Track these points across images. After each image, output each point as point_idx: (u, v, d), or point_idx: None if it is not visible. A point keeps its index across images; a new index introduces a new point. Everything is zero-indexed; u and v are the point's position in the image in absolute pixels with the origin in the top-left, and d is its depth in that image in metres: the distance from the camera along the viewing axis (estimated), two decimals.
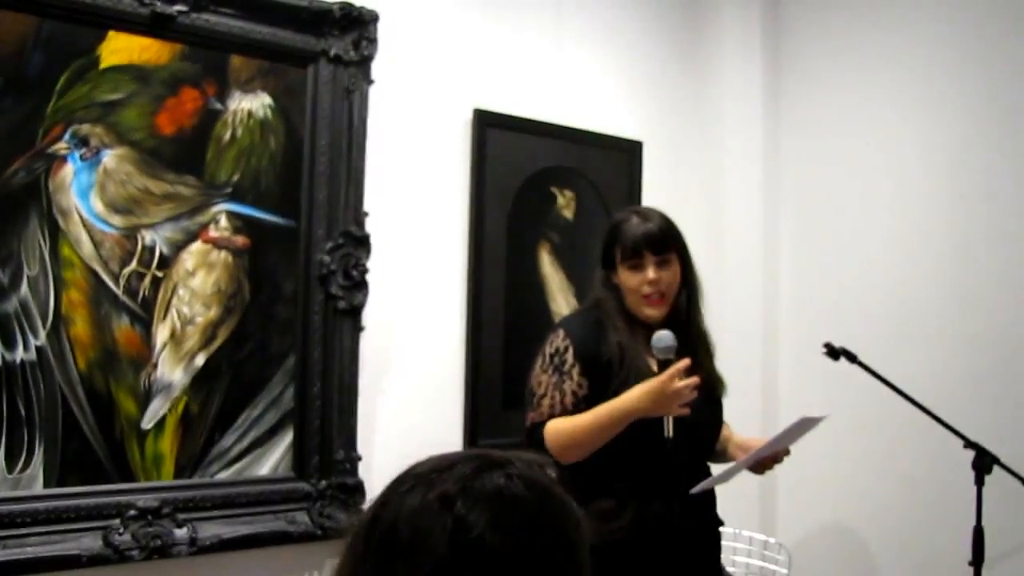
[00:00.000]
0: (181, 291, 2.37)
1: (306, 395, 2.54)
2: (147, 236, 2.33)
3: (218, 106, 2.44)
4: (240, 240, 2.47)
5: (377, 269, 2.64)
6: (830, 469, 3.35)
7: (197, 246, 2.40)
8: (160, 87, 2.35)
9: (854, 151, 3.40)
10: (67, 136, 2.22)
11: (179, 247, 2.37)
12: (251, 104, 2.49)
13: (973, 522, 2.56)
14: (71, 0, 2.21)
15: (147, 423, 2.32)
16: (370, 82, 2.64)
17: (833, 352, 2.66)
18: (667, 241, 2.27)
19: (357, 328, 2.60)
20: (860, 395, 3.03)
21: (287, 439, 2.53)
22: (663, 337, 2.16)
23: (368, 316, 2.63)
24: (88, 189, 2.25)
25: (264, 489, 2.47)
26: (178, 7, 2.34)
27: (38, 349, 2.18)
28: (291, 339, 2.54)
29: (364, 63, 2.62)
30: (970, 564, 2.56)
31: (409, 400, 2.77)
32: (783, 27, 3.64)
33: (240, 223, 2.47)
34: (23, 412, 2.15)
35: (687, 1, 3.58)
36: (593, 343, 2.24)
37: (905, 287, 3.23)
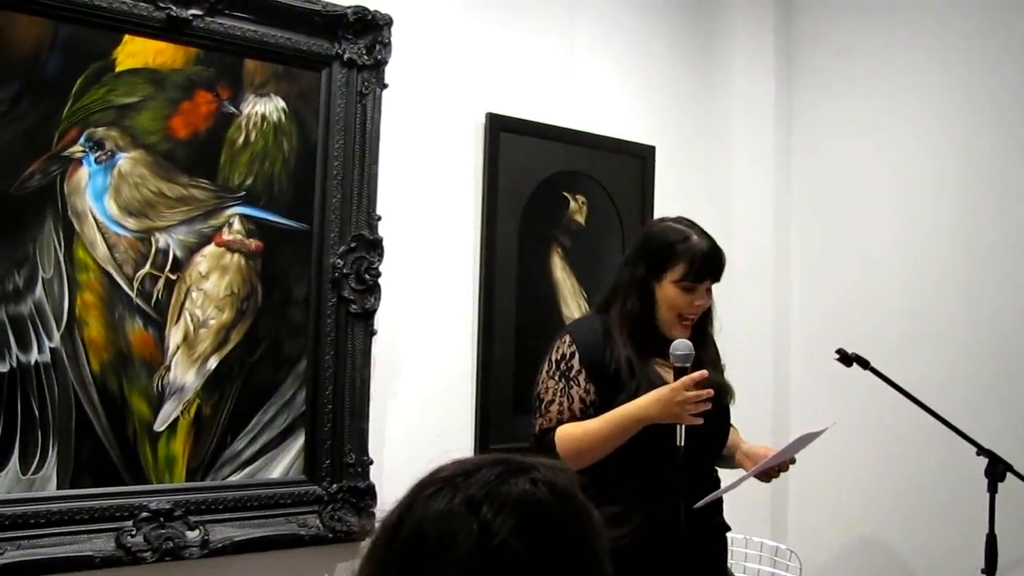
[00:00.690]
0: (194, 294, 2.38)
1: (318, 398, 2.55)
2: (161, 239, 2.34)
3: (232, 110, 2.45)
4: (253, 243, 2.48)
5: (389, 273, 2.64)
6: (841, 475, 3.34)
7: (210, 249, 2.41)
8: (175, 91, 2.36)
9: (864, 158, 3.40)
10: (82, 139, 2.23)
11: (192, 250, 2.38)
12: (265, 108, 2.50)
13: (986, 529, 2.55)
14: (88, 4, 2.22)
15: (160, 425, 2.33)
16: (383, 86, 2.64)
17: (846, 358, 2.65)
18: (723, 270, 2.29)
19: (369, 332, 2.61)
20: (871, 401, 3.03)
21: (299, 442, 2.53)
22: (681, 346, 2.17)
23: (380, 320, 2.63)
24: (103, 192, 2.26)
25: (275, 492, 2.48)
26: (193, 11, 2.35)
27: (52, 351, 2.19)
28: (303, 342, 2.55)
29: (378, 67, 2.63)
30: (983, 572, 2.55)
31: (420, 404, 2.77)
32: (795, 35, 3.64)
33: (253, 226, 2.47)
34: (37, 414, 2.16)
35: (700, 8, 3.58)
36: (599, 350, 2.24)
37: (916, 293, 3.22)
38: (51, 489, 2.18)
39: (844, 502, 3.38)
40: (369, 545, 0.96)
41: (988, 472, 2.57)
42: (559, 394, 2.22)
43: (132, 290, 2.30)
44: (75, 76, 2.23)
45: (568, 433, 2.17)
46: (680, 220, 2.35)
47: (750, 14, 3.60)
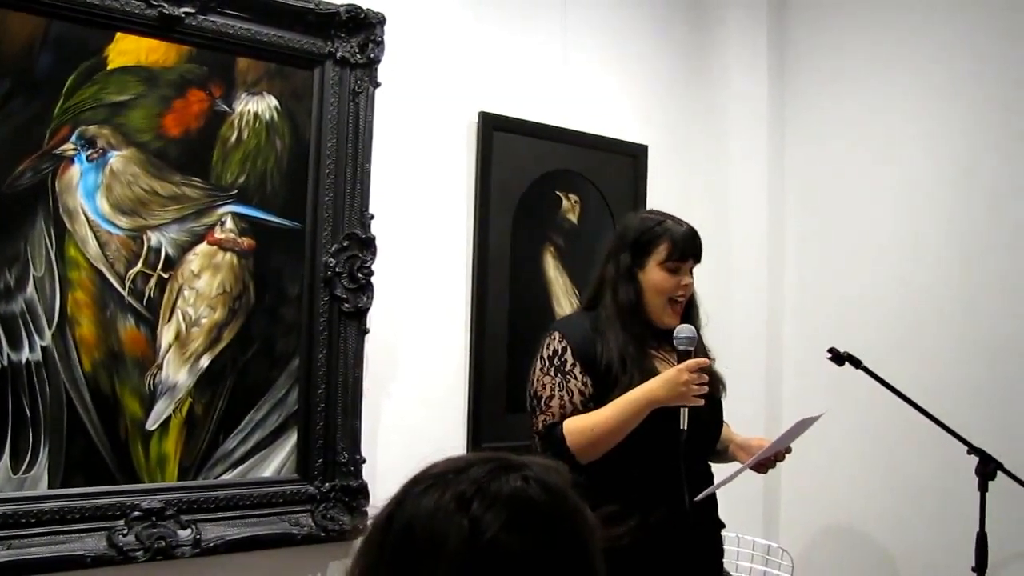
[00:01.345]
0: (186, 292, 2.38)
1: (310, 397, 2.54)
2: (153, 237, 2.33)
3: (224, 108, 2.44)
4: (245, 242, 2.47)
5: (382, 271, 2.64)
6: (833, 474, 3.35)
7: (203, 248, 2.40)
8: (167, 89, 2.35)
9: (858, 157, 3.41)
10: (74, 137, 2.22)
11: (185, 248, 2.38)
12: (257, 106, 2.49)
13: (977, 528, 2.56)
14: (79, 1, 2.21)
15: (152, 424, 2.32)
16: (376, 85, 2.64)
17: (837, 357, 2.66)
18: (702, 251, 2.34)
19: (362, 330, 2.60)
20: (864, 400, 3.04)
21: (291, 441, 2.53)
22: (684, 330, 2.22)
23: (373, 318, 2.63)
24: (94, 190, 2.25)
25: (268, 491, 2.47)
26: (185, 9, 2.35)
27: (43, 350, 2.18)
28: (296, 341, 2.54)
29: (370, 66, 2.62)
30: (973, 570, 2.56)
31: (413, 402, 2.77)
32: (789, 34, 3.65)
33: (246, 225, 2.47)
34: (28, 412, 2.16)
35: (693, 7, 3.58)
36: (590, 346, 2.25)
37: (909, 293, 3.23)
38: (42, 488, 2.17)
39: (836, 501, 3.39)
40: (361, 541, 0.96)
41: (979, 471, 2.58)
42: (558, 388, 2.22)
43: (124, 288, 2.29)
44: (67, 74, 2.22)
45: (576, 426, 2.17)
46: (651, 211, 2.44)
47: (743, 14, 3.61)
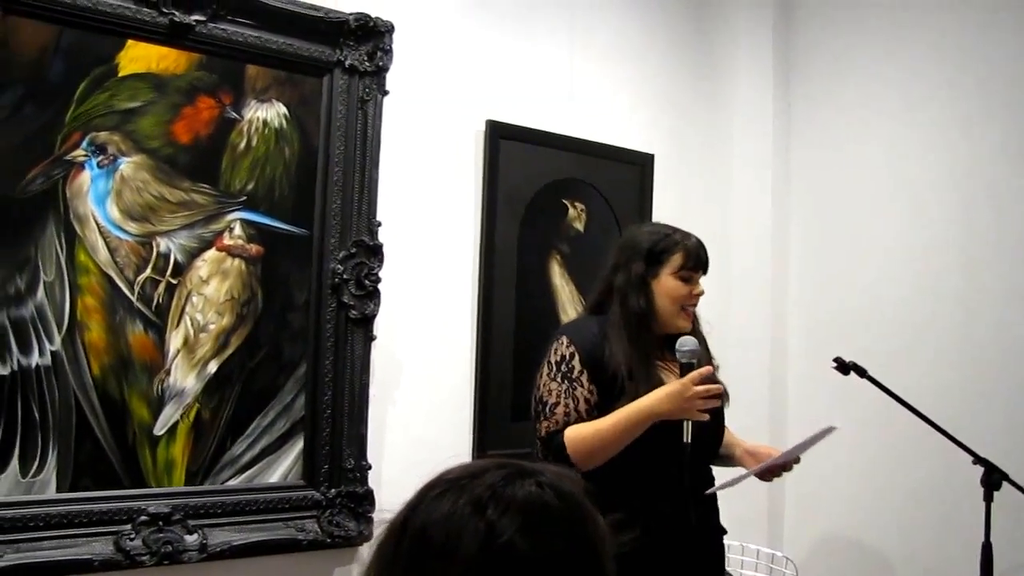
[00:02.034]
0: (195, 298, 2.39)
1: (317, 403, 2.55)
2: (162, 243, 2.35)
3: (234, 115, 2.46)
4: (254, 248, 2.49)
5: (389, 279, 2.65)
6: (837, 483, 3.35)
7: (211, 254, 2.42)
8: (177, 96, 2.37)
9: (863, 165, 3.41)
10: (85, 143, 2.24)
11: (193, 254, 2.39)
12: (266, 113, 2.51)
13: (982, 538, 2.55)
14: (91, 9, 2.23)
15: (159, 429, 2.33)
16: (384, 93, 2.65)
17: (843, 367, 2.66)
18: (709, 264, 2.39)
19: (369, 337, 2.61)
20: (868, 409, 3.04)
21: (298, 447, 2.54)
22: (687, 342, 2.21)
23: (379, 325, 2.64)
24: (105, 196, 2.27)
25: (274, 497, 2.48)
26: (196, 17, 2.37)
27: (53, 354, 2.19)
28: (303, 347, 2.55)
29: (379, 74, 2.64)
30: None
31: (419, 409, 2.78)
32: (794, 42, 3.66)
33: (254, 231, 2.48)
34: (37, 417, 2.17)
35: (699, 16, 3.59)
36: (598, 351, 2.26)
37: (914, 301, 3.24)
38: (50, 492, 2.18)
39: (840, 510, 3.39)
40: (376, 546, 0.97)
41: (984, 481, 2.57)
42: (563, 395, 2.22)
43: (133, 294, 2.30)
44: (78, 81, 2.24)
45: (578, 434, 2.17)
46: (656, 224, 2.48)
47: (750, 24, 3.62)
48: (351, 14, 2.59)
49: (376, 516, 2.58)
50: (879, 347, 3.18)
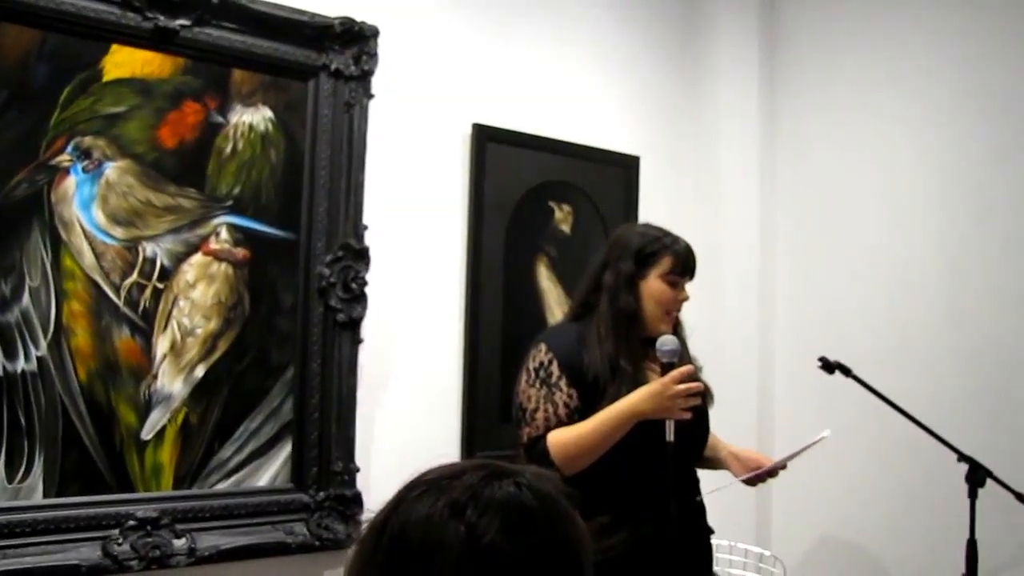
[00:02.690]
0: (181, 303, 2.39)
1: (305, 407, 2.55)
2: (148, 248, 2.34)
3: (219, 119, 2.46)
4: (240, 252, 2.49)
5: (376, 282, 2.66)
6: (825, 482, 3.37)
7: (198, 258, 2.42)
8: (162, 100, 2.37)
9: (849, 167, 3.43)
10: (70, 148, 2.24)
11: (180, 259, 2.39)
12: (252, 118, 2.51)
13: (967, 535, 2.57)
14: (75, 14, 2.23)
15: (147, 434, 2.33)
16: (370, 96, 2.66)
17: (828, 366, 2.68)
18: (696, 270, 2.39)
19: (356, 340, 2.62)
20: (854, 409, 3.05)
21: (286, 450, 2.54)
22: (668, 341, 2.22)
23: (367, 329, 2.64)
24: (90, 201, 2.26)
25: (262, 500, 2.48)
26: (181, 21, 2.36)
27: (39, 359, 2.19)
28: (290, 351, 2.55)
29: (364, 78, 2.64)
30: None
31: (407, 412, 2.78)
32: (779, 45, 3.67)
33: (240, 236, 2.48)
34: (23, 422, 2.16)
35: (684, 18, 3.61)
36: (576, 357, 2.26)
37: (899, 302, 3.25)
38: (37, 498, 2.17)
39: (827, 508, 3.40)
40: (356, 546, 0.97)
41: (969, 478, 2.59)
42: (543, 401, 2.22)
43: (119, 299, 2.30)
44: (63, 86, 2.23)
45: (560, 438, 2.18)
46: (647, 224, 2.45)
47: (735, 26, 3.63)
48: (336, 18, 2.59)
49: (364, 519, 2.57)
50: (865, 348, 3.19)
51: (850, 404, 3.01)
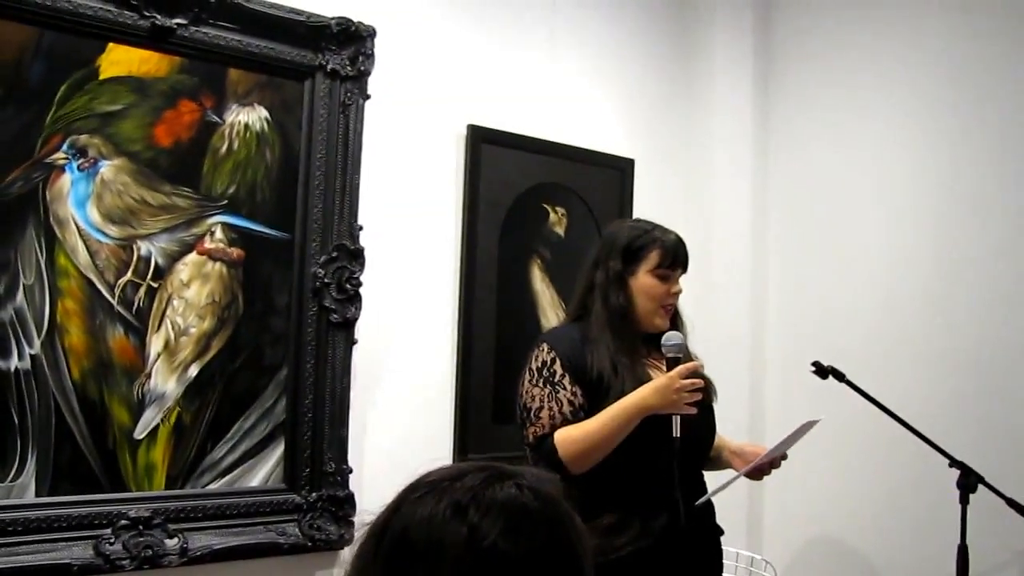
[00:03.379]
0: (175, 302, 2.39)
1: (298, 407, 2.55)
2: (143, 247, 2.34)
3: (215, 119, 2.45)
4: (235, 252, 2.48)
5: (370, 283, 2.66)
6: (816, 486, 3.38)
7: (192, 257, 2.41)
8: (158, 99, 2.36)
9: (842, 169, 3.44)
10: (65, 146, 2.23)
11: (174, 258, 2.39)
12: (248, 117, 2.51)
13: (958, 540, 2.58)
14: (72, 12, 2.23)
15: (140, 433, 2.33)
16: (366, 97, 2.66)
17: (821, 371, 2.68)
18: (688, 261, 2.39)
19: (350, 341, 2.62)
20: (846, 413, 3.05)
21: (279, 450, 2.54)
22: (673, 336, 2.24)
23: (361, 329, 2.64)
24: (85, 199, 2.26)
25: (255, 500, 2.48)
26: (178, 20, 2.36)
27: (32, 358, 2.18)
28: (284, 351, 2.55)
29: (360, 78, 2.65)
30: None
31: (400, 413, 2.78)
32: (773, 47, 3.68)
33: (235, 235, 2.48)
34: (16, 420, 2.16)
35: (679, 21, 3.62)
36: (579, 356, 2.26)
37: (892, 305, 3.26)
38: (29, 496, 2.17)
39: (819, 513, 3.41)
40: (356, 548, 0.97)
41: (960, 484, 2.60)
42: (547, 399, 2.22)
43: (113, 297, 2.30)
44: (58, 83, 2.23)
45: (568, 436, 2.17)
46: (637, 219, 2.47)
47: (729, 27, 3.64)
48: (333, 18, 2.59)
49: (357, 519, 2.58)
50: (857, 350, 3.20)
51: (842, 408, 3.01)
